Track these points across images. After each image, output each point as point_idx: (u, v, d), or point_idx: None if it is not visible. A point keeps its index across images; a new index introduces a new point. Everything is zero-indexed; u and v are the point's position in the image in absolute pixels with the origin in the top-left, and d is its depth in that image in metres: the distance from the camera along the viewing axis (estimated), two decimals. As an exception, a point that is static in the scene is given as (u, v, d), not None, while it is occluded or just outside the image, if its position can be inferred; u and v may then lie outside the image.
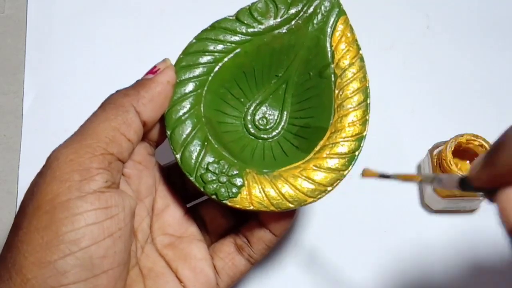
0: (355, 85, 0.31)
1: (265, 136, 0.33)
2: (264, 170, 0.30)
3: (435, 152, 0.39)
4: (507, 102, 0.44)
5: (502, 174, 0.21)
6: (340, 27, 0.32)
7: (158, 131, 0.30)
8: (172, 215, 0.30)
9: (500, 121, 0.43)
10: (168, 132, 0.29)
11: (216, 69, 0.30)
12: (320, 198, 0.29)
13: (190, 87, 0.30)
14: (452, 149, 0.37)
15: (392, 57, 0.46)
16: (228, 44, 0.31)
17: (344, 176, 0.30)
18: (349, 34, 0.31)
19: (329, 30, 0.31)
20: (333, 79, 0.31)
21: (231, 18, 0.31)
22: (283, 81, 0.32)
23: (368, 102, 0.31)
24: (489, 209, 0.41)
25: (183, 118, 0.29)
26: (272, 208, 0.29)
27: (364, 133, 0.31)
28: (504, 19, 0.47)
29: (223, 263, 0.30)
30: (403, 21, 0.47)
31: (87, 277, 0.23)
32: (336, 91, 0.31)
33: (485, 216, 0.41)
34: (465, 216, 0.41)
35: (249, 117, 0.33)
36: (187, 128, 0.29)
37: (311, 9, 0.32)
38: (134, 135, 0.27)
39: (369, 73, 0.46)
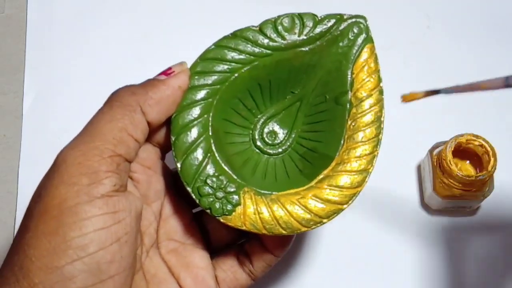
0: (369, 117, 0.30)
1: (271, 152, 0.32)
2: (263, 191, 0.29)
3: (435, 152, 0.39)
4: (507, 102, 0.44)
5: None
6: (364, 55, 0.31)
7: (165, 135, 0.29)
8: (178, 221, 0.30)
9: (500, 121, 0.43)
10: (173, 138, 0.29)
11: (232, 79, 0.30)
12: (314, 228, 0.29)
13: (201, 94, 0.29)
14: (452, 149, 0.37)
15: (392, 57, 0.46)
16: (247, 55, 0.30)
17: (343, 210, 0.29)
18: (372, 64, 0.31)
19: (353, 56, 0.30)
20: (348, 107, 0.30)
21: (254, 28, 0.30)
22: (298, 99, 0.32)
23: (380, 137, 0.30)
24: (489, 209, 0.41)
25: (190, 125, 0.29)
26: (264, 231, 0.28)
27: (370, 170, 0.30)
28: (504, 19, 0.47)
29: (225, 275, 0.30)
30: (403, 21, 0.47)
31: (94, 283, 0.23)
32: (349, 121, 0.30)
33: (485, 216, 0.41)
34: (465, 216, 0.41)
35: (258, 130, 0.32)
36: (192, 137, 0.29)
37: (338, 32, 0.31)
38: (141, 135, 0.27)
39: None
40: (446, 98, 0.44)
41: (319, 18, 0.31)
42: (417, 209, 0.41)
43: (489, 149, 0.37)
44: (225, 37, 0.30)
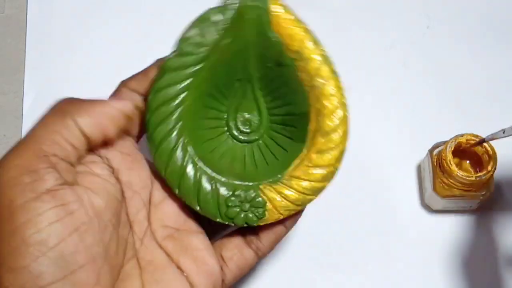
0: (317, 58, 0.30)
1: (256, 137, 0.32)
2: (273, 179, 0.30)
3: (435, 152, 0.39)
4: (507, 102, 0.44)
5: None
6: (274, 13, 0.30)
7: (138, 131, 0.30)
8: (170, 207, 0.30)
9: (500, 121, 0.43)
10: (153, 152, 0.29)
11: (184, 96, 0.30)
12: (333, 178, 0.30)
13: (171, 108, 0.29)
14: (452, 149, 0.37)
15: (392, 57, 0.46)
16: (187, 75, 0.30)
17: (345, 147, 0.31)
18: (287, 16, 0.30)
19: (265, 20, 0.30)
20: (292, 63, 0.30)
21: (174, 55, 0.30)
22: (247, 81, 0.32)
23: (336, 70, 0.31)
24: (489, 209, 0.41)
25: (168, 135, 0.29)
26: (299, 208, 0.30)
27: (344, 100, 0.31)
28: (504, 19, 0.47)
29: (231, 253, 0.31)
30: (403, 21, 0.47)
31: (64, 275, 0.23)
32: (300, 74, 0.30)
33: (485, 216, 0.41)
34: (465, 216, 0.41)
35: (232, 126, 0.32)
36: (179, 159, 0.29)
37: (238, 7, 0.30)
38: (76, 141, 0.26)
39: (369, 73, 0.46)
40: (446, 98, 0.44)
41: (221, 7, 0.30)
42: (417, 209, 0.41)
43: (489, 149, 0.37)
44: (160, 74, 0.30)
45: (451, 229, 0.41)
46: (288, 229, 0.31)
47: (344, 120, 0.30)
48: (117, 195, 0.28)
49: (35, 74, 0.46)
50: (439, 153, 0.38)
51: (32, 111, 0.45)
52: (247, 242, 0.31)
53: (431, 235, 0.41)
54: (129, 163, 0.29)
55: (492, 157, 0.37)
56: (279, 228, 0.31)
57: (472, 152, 0.38)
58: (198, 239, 0.30)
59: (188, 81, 0.29)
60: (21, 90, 0.45)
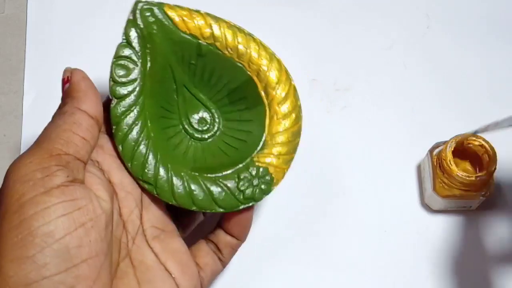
0: (228, 32, 0.31)
1: (216, 128, 0.33)
2: (257, 151, 0.32)
3: (435, 152, 0.39)
4: (507, 102, 0.44)
5: None
6: (173, 15, 0.31)
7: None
8: (157, 208, 0.31)
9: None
10: (129, 165, 0.30)
11: (140, 129, 0.31)
12: (301, 115, 0.32)
13: (130, 119, 0.30)
14: (452, 149, 0.37)
15: (392, 57, 0.46)
16: (136, 114, 0.30)
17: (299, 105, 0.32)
18: (184, 12, 0.31)
19: (170, 27, 0.31)
20: (211, 47, 0.31)
21: (115, 103, 0.30)
22: (181, 87, 0.33)
23: (271, 51, 0.32)
24: (489, 209, 0.41)
25: (137, 144, 0.30)
26: (294, 155, 0.32)
27: (293, 83, 0.32)
28: (504, 19, 0.47)
29: (206, 260, 0.32)
30: (403, 21, 0.47)
31: (67, 267, 0.24)
32: (223, 50, 0.31)
33: (485, 216, 0.41)
34: (465, 216, 0.41)
35: (192, 131, 0.33)
36: (150, 167, 0.30)
37: (139, 38, 0.31)
38: (87, 133, 0.27)
39: (369, 73, 0.46)
40: (446, 98, 0.44)
41: (125, 41, 0.32)
42: (417, 209, 0.41)
43: (489, 149, 0.37)
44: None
45: (451, 229, 0.41)
46: (242, 241, 0.33)
47: (280, 65, 0.32)
48: (111, 195, 0.28)
49: (35, 74, 0.46)
50: (439, 153, 0.38)
51: (32, 111, 0.45)
52: (213, 251, 0.33)
53: (431, 235, 0.41)
54: (119, 164, 0.30)
55: (492, 157, 0.37)
56: (235, 241, 0.33)
57: (472, 152, 0.38)
58: (179, 243, 0.31)
59: (136, 116, 0.30)
60: (21, 90, 0.45)
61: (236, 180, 0.31)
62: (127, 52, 0.30)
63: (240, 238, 0.33)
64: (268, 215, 0.41)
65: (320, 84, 0.45)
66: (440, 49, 0.46)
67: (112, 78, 0.30)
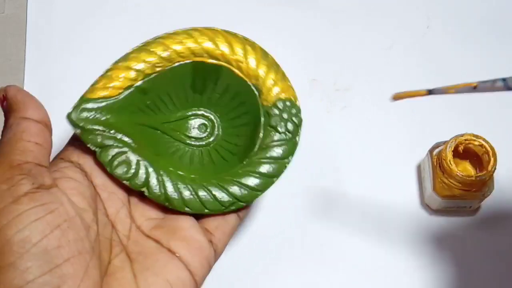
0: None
1: (212, 139, 0.34)
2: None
3: (435, 152, 0.39)
4: (507, 102, 0.44)
5: None
6: (100, 93, 0.31)
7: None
8: (150, 201, 0.31)
9: (500, 121, 0.43)
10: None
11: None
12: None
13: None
14: (452, 149, 0.37)
15: (392, 57, 0.46)
16: (126, 150, 0.31)
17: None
18: (102, 83, 0.32)
19: (103, 103, 0.31)
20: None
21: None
22: (163, 122, 0.33)
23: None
24: (489, 209, 0.41)
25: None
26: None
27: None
28: (504, 19, 0.47)
29: (216, 223, 0.31)
30: (403, 21, 0.47)
31: (50, 268, 0.24)
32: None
33: (485, 216, 0.41)
34: (465, 216, 0.41)
35: (189, 141, 0.33)
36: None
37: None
38: (39, 137, 0.27)
39: (369, 73, 0.46)
40: (446, 98, 0.44)
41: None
42: (417, 209, 0.41)
43: (489, 149, 0.37)
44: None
45: (451, 229, 0.41)
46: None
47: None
48: (93, 197, 0.29)
49: (35, 74, 0.46)
50: (439, 153, 0.38)
51: (32, 111, 0.45)
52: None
53: (431, 235, 0.40)
54: (101, 166, 0.30)
55: (492, 157, 0.37)
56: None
57: (472, 152, 0.38)
58: (183, 219, 0.31)
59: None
60: (21, 90, 0.45)
61: (268, 127, 0.31)
62: (111, 152, 0.30)
63: (240, 214, 0.32)
64: (268, 215, 0.41)
65: (320, 84, 0.45)
66: (440, 49, 0.46)
67: (120, 178, 0.30)
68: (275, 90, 0.32)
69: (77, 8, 0.48)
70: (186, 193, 0.30)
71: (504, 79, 0.24)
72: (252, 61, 0.32)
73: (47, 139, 0.28)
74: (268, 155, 0.31)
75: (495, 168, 0.36)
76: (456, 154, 0.38)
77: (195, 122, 0.34)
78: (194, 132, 0.34)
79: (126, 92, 0.31)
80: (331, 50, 0.46)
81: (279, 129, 0.32)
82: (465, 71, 0.45)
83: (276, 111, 0.32)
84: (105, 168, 0.30)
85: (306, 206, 0.41)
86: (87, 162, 0.30)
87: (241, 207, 0.31)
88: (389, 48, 0.46)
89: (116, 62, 0.32)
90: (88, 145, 0.30)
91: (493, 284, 0.39)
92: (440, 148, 0.38)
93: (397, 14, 0.47)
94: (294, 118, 0.32)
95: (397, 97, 0.29)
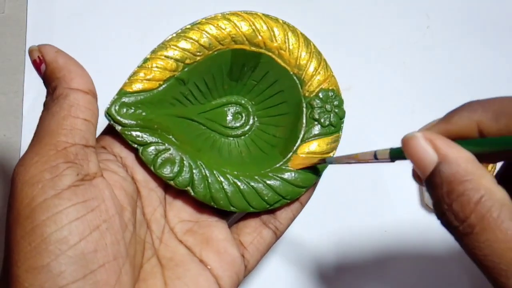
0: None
1: (254, 122, 0.32)
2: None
3: (435, 152, 0.39)
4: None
5: (449, 131, 0.23)
6: (136, 86, 0.29)
7: None
8: (185, 200, 0.30)
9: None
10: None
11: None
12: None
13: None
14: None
15: (392, 57, 0.46)
16: (169, 146, 0.29)
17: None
18: (143, 73, 0.30)
19: (142, 95, 0.29)
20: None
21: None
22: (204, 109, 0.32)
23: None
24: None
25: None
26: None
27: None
28: (504, 19, 0.47)
29: (251, 238, 0.30)
30: (403, 21, 0.47)
31: (84, 274, 0.23)
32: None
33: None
34: (465, 216, 0.41)
35: (224, 130, 0.32)
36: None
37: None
38: (87, 112, 0.26)
39: (369, 73, 0.46)
40: (446, 98, 0.44)
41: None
42: (417, 209, 0.41)
43: (489, 149, 0.37)
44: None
45: (451, 229, 0.41)
46: (303, 205, 0.31)
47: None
48: (133, 194, 0.27)
49: (35, 74, 0.46)
50: (439, 153, 0.38)
51: (32, 111, 0.45)
52: (264, 222, 0.30)
53: (431, 235, 0.41)
54: (141, 161, 0.28)
55: (492, 157, 0.37)
56: (295, 205, 0.31)
57: (472, 152, 0.38)
58: (218, 229, 0.29)
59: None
60: (21, 90, 0.45)
61: (309, 113, 0.30)
62: (154, 150, 0.28)
63: (303, 200, 0.31)
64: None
65: (320, 84, 0.45)
66: (440, 49, 0.46)
67: (164, 178, 0.28)
68: (317, 79, 0.31)
69: (77, 8, 0.48)
70: (231, 192, 0.29)
71: (375, 153, 0.25)
72: (293, 49, 0.31)
73: (95, 113, 0.26)
74: (312, 149, 0.30)
75: (495, 168, 0.36)
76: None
77: (230, 111, 0.32)
78: (230, 121, 0.32)
79: (166, 84, 0.29)
80: (331, 50, 0.46)
81: (322, 121, 0.31)
82: (464, 71, 0.45)
83: (319, 102, 0.31)
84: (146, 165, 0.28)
85: (305, 206, 0.41)
86: (129, 156, 0.28)
87: (284, 204, 0.30)
88: (389, 48, 0.46)
89: (155, 51, 0.30)
90: (129, 142, 0.28)
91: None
92: (440, 148, 0.38)
93: (397, 14, 0.47)
94: (337, 110, 0.31)
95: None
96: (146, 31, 0.47)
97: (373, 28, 0.47)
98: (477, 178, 0.20)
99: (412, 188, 0.42)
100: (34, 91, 0.45)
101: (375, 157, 0.25)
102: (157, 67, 0.29)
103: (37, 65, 0.27)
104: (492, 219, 0.19)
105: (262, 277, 0.40)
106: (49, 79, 0.27)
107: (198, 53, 0.30)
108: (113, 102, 0.28)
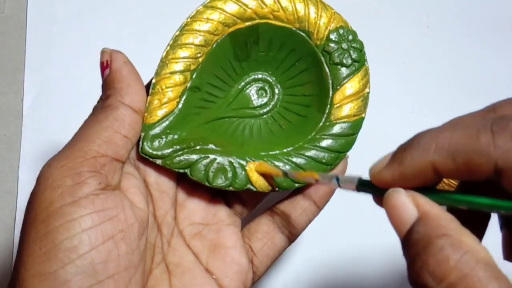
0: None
1: (275, 100, 0.32)
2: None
3: (435, 152, 0.39)
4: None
5: (404, 174, 0.21)
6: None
7: None
8: (197, 201, 0.29)
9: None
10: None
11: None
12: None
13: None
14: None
15: (392, 57, 0.46)
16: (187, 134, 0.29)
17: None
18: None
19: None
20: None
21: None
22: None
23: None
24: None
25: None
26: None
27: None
28: (504, 19, 0.47)
29: (261, 244, 0.29)
30: (403, 21, 0.47)
31: (90, 284, 0.22)
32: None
33: (485, 216, 0.41)
34: (465, 216, 0.41)
35: (254, 112, 0.31)
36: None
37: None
38: (130, 130, 0.26)
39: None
40: (446, 98, 0.44)
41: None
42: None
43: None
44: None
45: (451, 229, 0.41)
46: (320, 209, 0.30)
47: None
48: (147, 199, 0.27)
49: (35, 74, 0.46)
50: (439, 153, 0.38)
51: (32, 111, 0.45)
52: (278, 226, 0.30)
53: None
54: (149, 161, 0.28)
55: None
56: (312, 208, 0.30)
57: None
58: (227, 235, 0.29)
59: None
60: (21, 90, 0.45)
61: (328, 55, 0.30)
62: (201, 166, 0.28)
63: (321, 203, 0.30)
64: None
65: (320, 84, 0.45)
66: (440, 49, 0.46)
67: (223, 188, 0.28)
68: (322, 22, 0.30)
69: (77, 8, 0.48)
70: (291, 171, 0.28)
71: (337, 178, 0.24)
72: (287, 6, 0.30)
73: (137, 132, 0.26)
74: (348, 94, 0.30)
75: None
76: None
77: (252, 91, 0.31)
78: (256, 101, 0.31)
79: (182, 99, 0.29)
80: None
81: (345, 62, 0.30)
82: (464, 71, 0.45)
83: (334, 46, 0.30)
84: (157, 165, 0.28)
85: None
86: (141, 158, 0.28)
87: (342, 158, 0.30)
88: (389, 48, 0.46)
89: (158, 73, 0.29)
90: (175, 170, 0.28)
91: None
92: (440, 148, 0.38)
93: (397, 14, 0.47)
94: (354, 45, 0.30)
95: (258, 170, 0.29)
96: (146, 31, 0.47)
97: (372, 28, 0.47)
98: (458, 235, 0.19)
99: (412, 188, 0.42)
100: (34, 91, 0.45)
101: (338, 183, 0.24)
102: (167, 87, 0.28)
103: (103, 67, 0.27)
104: (477, 278, 0.18)
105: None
106: (107, 85, 0.27)
107: (199, 55, 0.29)
108: (143, 140, 0.27)
